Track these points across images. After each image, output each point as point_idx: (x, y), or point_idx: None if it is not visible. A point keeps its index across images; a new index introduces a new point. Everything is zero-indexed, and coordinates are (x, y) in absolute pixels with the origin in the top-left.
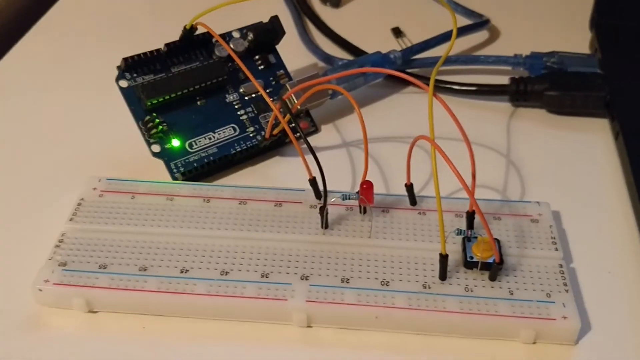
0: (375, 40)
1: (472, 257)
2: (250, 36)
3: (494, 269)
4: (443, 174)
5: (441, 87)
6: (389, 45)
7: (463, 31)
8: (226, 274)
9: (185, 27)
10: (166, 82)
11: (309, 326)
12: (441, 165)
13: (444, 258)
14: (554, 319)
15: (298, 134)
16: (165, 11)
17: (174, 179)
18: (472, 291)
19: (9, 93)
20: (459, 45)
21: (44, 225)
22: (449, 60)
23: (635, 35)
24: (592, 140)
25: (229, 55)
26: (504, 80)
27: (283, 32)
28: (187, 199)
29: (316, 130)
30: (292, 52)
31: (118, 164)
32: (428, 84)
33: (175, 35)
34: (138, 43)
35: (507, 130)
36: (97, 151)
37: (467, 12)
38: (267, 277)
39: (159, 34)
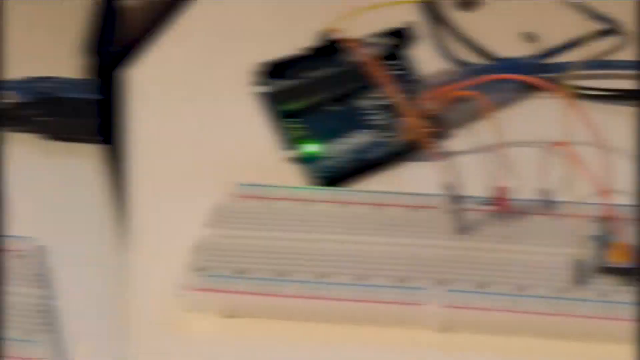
0: (507, 44)
1: (608, 263)
2: (384, 42)
3: (632, 273)
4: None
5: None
6: (520, 49)
7: (594, 36)
8: (363, 279)
9: (320, 33)
10: (302, 88)
11: (445, 331)
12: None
13: (579, 264)
14: None
15: (433, 138)
16: (301, 16)
17: (312, 184)
18: (608, 296)
19: (145, 98)
20: (590, 49)
21: (182, 230)
22: (583, 65)
23: None
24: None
25: (364, 61)
26: None
27: (416, 38)
28: (324, 204)
29: (448, 134)
30: (424, 57)
31: (255, 169)
32: (561, 90)
33: (310, 41)
34: (274, 48)
35: None
36: (234, 156)
37: (599, 16)
38: (403, 281)
39: (295, 40)
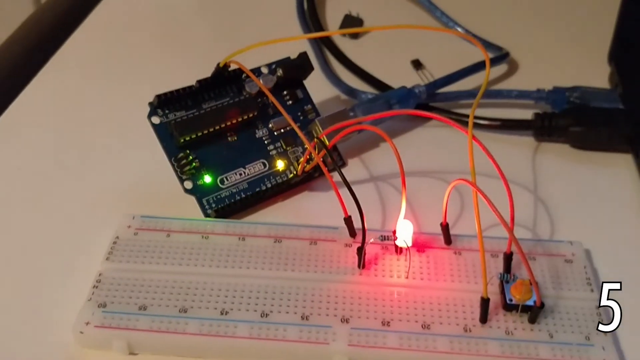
0: (394, 71)
1: (511, 300)
2: (279, 72)
3: (535, 311)
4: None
5: (465, 122)
6: (408, 76)
7: (483, 65)
8: (266, 316)
9: (218, 65)
10: (198, 119)
11: None
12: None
13: (485, 302)
14: None
15: (329, 169)
16: (195, 48)
17: (206, 215)
18: (512, 334)
19: (44, 127)
20: (478, 78)
21: (81, 264)
22: (472, 94)
23: None
24: (617, 176)
25: (259, 91)
26: (524, 114)
27: (311, 68)
28: (222, 237)
29: (343, 164)
30: (315, 85)
31: (150, 201)
32: (457, 121)
33: (205, 72)
34: (170, 80)
35: (532, 165)
36: (130, 188)
37: (487, 44)
38: (307, 319)
39: (190, 71)
